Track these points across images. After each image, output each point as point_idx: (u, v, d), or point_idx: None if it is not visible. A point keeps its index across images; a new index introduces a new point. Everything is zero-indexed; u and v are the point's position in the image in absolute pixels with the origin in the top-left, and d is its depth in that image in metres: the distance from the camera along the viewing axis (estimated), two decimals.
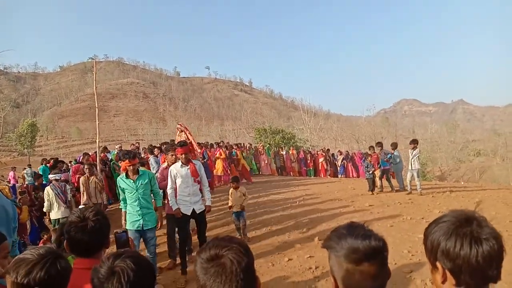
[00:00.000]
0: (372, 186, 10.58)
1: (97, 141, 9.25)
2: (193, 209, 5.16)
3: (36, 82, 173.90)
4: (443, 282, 1.10)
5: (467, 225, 1.08)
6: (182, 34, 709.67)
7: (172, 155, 5.91)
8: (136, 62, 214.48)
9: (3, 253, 2.02)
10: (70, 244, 1.86)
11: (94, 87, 10.17)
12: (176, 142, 9.27)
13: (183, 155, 5.20)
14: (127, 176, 4.83)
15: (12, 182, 17.35)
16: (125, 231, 2.70)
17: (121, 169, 5.67)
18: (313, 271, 4.94)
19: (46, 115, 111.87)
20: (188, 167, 5.20)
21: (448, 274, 1.08)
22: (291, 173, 19.98)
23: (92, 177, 7.99)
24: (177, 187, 5.17)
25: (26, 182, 16.04)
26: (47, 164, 13.30)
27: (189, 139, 8.50)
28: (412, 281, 4.38)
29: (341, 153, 21.28)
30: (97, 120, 9.37)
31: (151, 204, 4.98)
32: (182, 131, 9.36)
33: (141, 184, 4.81)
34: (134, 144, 16.80)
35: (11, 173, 18.90)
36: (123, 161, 4.92)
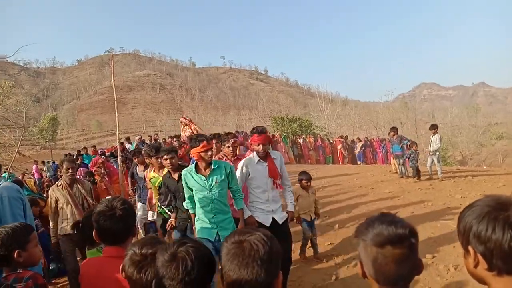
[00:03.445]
0: (417, 173, 10.11)
1: (117, 133, 9.38)
2: (273, 218, 3.89)
3: (55, 77, 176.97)
4: (475, 266, 1.09)
5: (502, 209, 1.06)
6: (196, 24, 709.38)
7: (229, 146, 4.54)
8: (152, 54, 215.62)
9: (34, 242, 2.13)
10: (99, 233, 1.93)
11: (112, 80, 10.26)
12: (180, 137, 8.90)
13: (261, 146, 3.80)
14: (197, 171, 3.54)
15: (36, 175, 17.83)
16: (154, 222, 2.73)
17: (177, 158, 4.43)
18: (334, 258, 4.97)
19: (66, 108, 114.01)
20: (267, 164, 3.86)
21: (480, 258, 1.07)
22: (309, 161, 19.94)
23: (76, 185, 4.60)
24: (250, 191, 3.95)
25: (48, 175, 16.56)
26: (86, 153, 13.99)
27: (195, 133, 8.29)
28: (434, 266, 4.36)
29: (360, 140, 21.11)
30: (116, 113, 9.48)
31: (229, 208, 3.68)
32: (186, 124, 9.14)
33: (217, 182, 3.50)
34: (151, 136, 17.00)
35: (34, 167, 19.37)
36: (186, 147, 3.72)
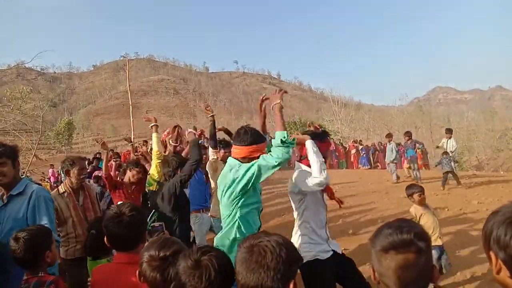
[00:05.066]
0: (456, 178, 9.46)
1: (131, 137, 9.51)
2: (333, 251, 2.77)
3: (71, 82, 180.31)
4: (498, 272, 1.07)
5: None
6: (210, 29, 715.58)
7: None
8: (166, 58, 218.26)
9: (55, 242, 2.20)
10: (109, 239, 1.94)
11: (128, 85, 10.45)
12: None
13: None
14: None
15: (52, 179, 18.06)
16: (161, 224, 2.55)
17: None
18: None
19: (82, 113, 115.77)
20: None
21: (502, 264, 1.04)
22: None
23: (81, 192, 3.68)
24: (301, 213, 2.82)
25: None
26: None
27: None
28: (450, 273, 4.28)
29: (361, 144, 20.89)
30: (131, 117, 9.63)
31: None
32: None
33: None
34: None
35: (50, 170, 19.57)
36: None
